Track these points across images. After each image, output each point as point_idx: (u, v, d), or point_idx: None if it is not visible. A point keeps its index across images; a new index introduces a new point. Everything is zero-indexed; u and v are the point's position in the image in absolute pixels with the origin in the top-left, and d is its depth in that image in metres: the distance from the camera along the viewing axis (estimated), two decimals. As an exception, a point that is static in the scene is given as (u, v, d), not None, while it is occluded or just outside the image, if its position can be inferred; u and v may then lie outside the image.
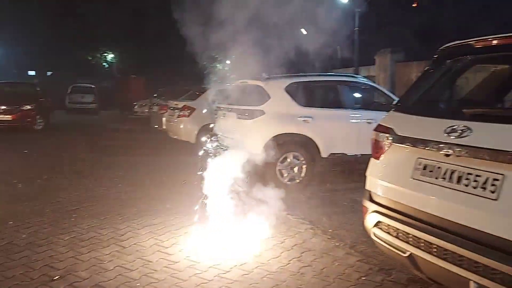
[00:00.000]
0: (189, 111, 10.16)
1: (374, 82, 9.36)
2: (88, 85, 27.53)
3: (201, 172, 4.64)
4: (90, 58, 36.00)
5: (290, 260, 3.84)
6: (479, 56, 2.88)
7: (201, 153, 5.14)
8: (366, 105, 7.37)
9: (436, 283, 2.94)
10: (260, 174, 6.06)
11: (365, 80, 8.07)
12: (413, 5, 22.83)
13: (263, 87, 6.91)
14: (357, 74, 11.66)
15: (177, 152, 9.79)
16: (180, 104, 10.61)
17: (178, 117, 10.45)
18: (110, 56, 36.91)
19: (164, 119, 12.08)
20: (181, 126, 10.33)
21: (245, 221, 4.45)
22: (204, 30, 5.19)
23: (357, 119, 7.03)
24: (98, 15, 30.46)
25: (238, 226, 4.40)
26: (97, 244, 4.13)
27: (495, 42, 2.61)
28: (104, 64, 37.30)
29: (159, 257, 3.85)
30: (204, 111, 9.59)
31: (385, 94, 7.59)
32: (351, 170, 6.81)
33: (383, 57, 16.87)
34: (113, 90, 30.24)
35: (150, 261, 3.74)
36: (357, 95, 7.76)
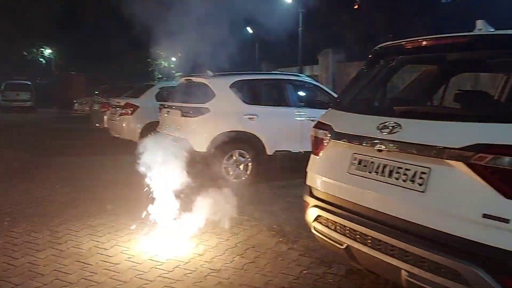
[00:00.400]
0: (132, 109, 9.91)
1: (317, 81, 9.57)
2: (24, 81, 26.07)
3: (144, 172, 4.53)
4: (25, 54, 33.99)
5: (234, 258, 3.85)
6: (410, 56, 3.04)
7: (144, 151, 5.02)
8: (309, 103, 7.54)
9: (372, 273, 3.07)
10: (206, 172, 6.04)
11: (308, 79, 8.25)
12: (355, 7, 23.63)
13: (208, 84, 6.88)
14: (301, 73, 11.91)
15: (119, 151, 9.48)
16: (123, 102, 10.32)
17: (120, 115, 10.17)
18: (47, 52, 35.06)
19: (105, 117, 11.71)
20: (124, 125, 10.06)
21: (189, 220, 4.41)
22: (148, 26, 5.09)
23: (301, 117, 7.17)
24: (32, 8, 28.75)
25: (182, 225, 4.35)
26: (32, 248, 3.93)
27: (424, 43, 2.76)
28: (41, 59, 35.37)
29: (98, 259, 3.72)
30: (148, 108, 9.41)
31: (327, 92, 7.81)
32: (296, 166, 6.93)
33: (325, 57, 17.35)
34: (51, 87, 28.84)
35: (89, 264, 3.62)
36: (301, 93, 7.92)
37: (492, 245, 1.93)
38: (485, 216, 1.97)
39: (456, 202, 2.13)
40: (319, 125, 3.12)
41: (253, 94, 7.19)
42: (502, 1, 16.40)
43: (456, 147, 2.12)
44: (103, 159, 8.97)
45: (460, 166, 2.10)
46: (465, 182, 2.08)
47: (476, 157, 2.03)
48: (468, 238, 2.02)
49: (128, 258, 3.76)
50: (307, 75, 10.23)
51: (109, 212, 5.01)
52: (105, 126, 11.71)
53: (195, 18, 5.39)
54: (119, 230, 4.41)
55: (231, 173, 6.77)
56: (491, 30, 2.54)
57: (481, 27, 2.55)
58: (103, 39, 25.77)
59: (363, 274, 3.41)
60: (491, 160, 1.98)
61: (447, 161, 2.16)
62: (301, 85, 7.89)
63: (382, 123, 2.50)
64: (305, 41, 18.87)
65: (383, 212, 2.45)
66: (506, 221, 1.90)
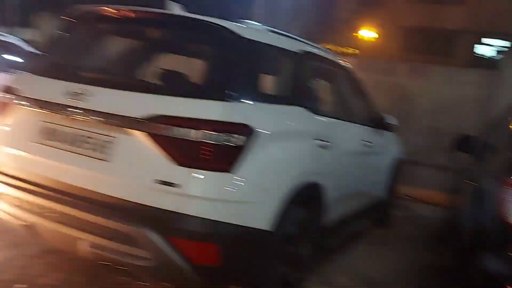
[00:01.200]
0: None
1: (31, 45, 8.47)
2: None
3: None
4: None
5: None
6: (107, 24, 2.91)
7: None
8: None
9: (62, 251, 2.90)
10: None
11: (18, 41, 7.21)
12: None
13: None
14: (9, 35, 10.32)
15: None
16: None
17: None
18: None
19: None
20: None
21: None
22: None
23: None
24: None
25: None
26: None
27: (119, 13, 2.64)
28: None
29: None
30: None
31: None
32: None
33: (42, 21, 15.66)
34: None
35: None
36: (8, 57, 6.84)
37: (161, 207, 2.10)
38: (158, 181, 2.12)
39: (135, 170, 2.22)
40: (4, 88, 2.71)
41: None
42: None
43: (138, 117, 2.19)
44: None
45: (140, 135, 2.19)
46: (144, 151, 2.19)
47: (154, 127, 2.15)
48: (143, 203, 2.14)
49: None
50: (21, 38, 8.94)
51: None
52: None
53: None
54: None
55: None
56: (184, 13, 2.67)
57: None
58: None
59: (56, 252, 3.21)
60: (166, 130, 2.14)
61: (130, 130, 2.22)
62: (9, 48, 6.81)
63: (71, 89, 2.36)
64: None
65: (69, 184, 2.33)
66: (174, 185, 2.10)
